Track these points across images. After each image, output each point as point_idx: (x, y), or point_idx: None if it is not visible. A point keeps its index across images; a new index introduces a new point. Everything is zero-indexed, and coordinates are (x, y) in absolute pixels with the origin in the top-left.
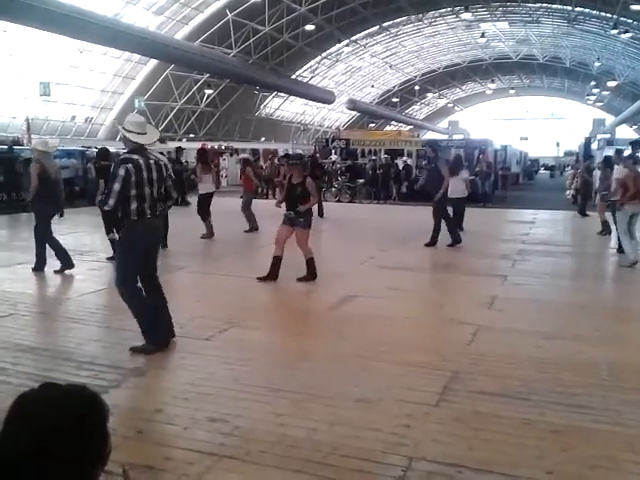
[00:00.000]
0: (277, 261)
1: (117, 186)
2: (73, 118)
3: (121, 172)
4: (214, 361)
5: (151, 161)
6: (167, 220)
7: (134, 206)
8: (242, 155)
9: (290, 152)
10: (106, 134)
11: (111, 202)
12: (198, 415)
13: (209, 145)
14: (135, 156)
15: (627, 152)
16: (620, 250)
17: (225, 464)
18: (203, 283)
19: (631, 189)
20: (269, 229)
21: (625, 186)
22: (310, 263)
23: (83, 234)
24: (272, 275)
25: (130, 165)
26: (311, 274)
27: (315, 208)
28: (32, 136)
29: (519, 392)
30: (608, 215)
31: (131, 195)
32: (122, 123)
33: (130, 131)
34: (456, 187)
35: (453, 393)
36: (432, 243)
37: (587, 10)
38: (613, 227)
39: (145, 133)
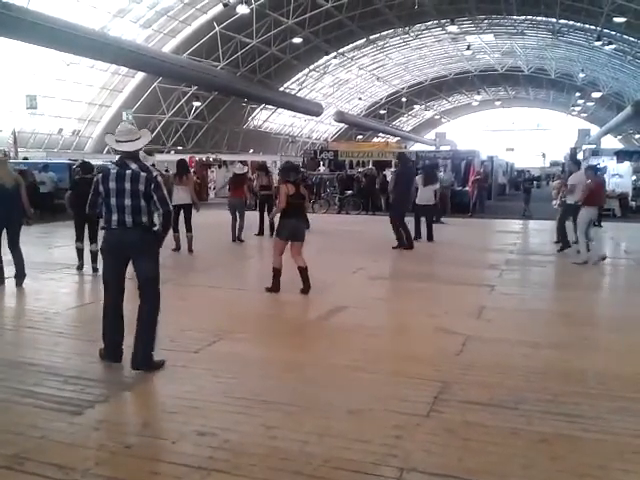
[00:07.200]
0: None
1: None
2: (60, 131)
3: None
4: (203, 374)
5: (128, 171)
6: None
7: (103, 215)
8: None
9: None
10: (94, 147)
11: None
12: (186, 429)
13: (197, 157)
14: (112, 165)
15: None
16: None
17: (214, 478)
18: (190, 296)
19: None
20: (254, 240)
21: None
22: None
23: (69, 247)
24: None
25: (100, 175)
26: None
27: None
28: (19, 149)
29: (507, 402)
30: None
31: (102, 204)
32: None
33: (117, 140)
34: (425, 195)
35: (443, 403)
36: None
37: (571, 22)
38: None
39: (131, 140)
